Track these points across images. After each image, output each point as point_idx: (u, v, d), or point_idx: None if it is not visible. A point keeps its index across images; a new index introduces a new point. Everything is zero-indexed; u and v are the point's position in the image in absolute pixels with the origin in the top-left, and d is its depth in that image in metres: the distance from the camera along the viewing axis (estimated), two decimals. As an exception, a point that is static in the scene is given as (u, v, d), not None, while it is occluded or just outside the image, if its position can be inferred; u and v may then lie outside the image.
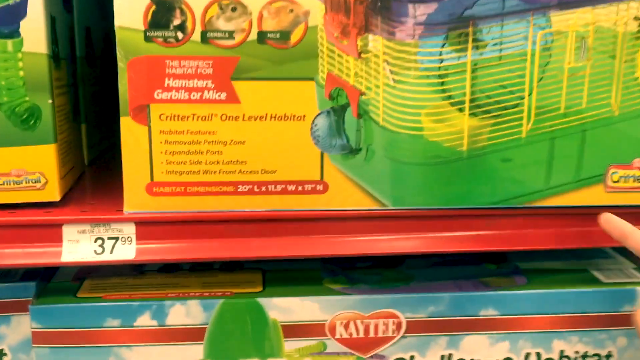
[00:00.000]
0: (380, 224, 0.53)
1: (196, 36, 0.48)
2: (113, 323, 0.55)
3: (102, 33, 0.74)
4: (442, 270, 0.62)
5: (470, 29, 0.49)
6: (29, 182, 0.51)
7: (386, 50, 0.49)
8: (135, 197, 0.51)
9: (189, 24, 0.48)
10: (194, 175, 0.51)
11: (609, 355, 0.59)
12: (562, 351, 0.58)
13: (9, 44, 0.49)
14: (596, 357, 0.59)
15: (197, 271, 0.61)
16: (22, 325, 0.57)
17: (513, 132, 0.51)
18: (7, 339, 0.58)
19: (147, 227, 0.52)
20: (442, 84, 0.49)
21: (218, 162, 0.51)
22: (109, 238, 0.52)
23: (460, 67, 0.49)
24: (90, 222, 0.51)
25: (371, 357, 0.57)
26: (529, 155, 0.52)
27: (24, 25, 0.49)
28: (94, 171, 0.68)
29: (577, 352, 0.59)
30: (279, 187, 0.52)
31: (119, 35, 0.48)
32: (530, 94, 0.51)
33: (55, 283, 0.59)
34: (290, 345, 0.56)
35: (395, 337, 0.57)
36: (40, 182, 0.52)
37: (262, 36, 0.49)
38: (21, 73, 0.50)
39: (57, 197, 0.52)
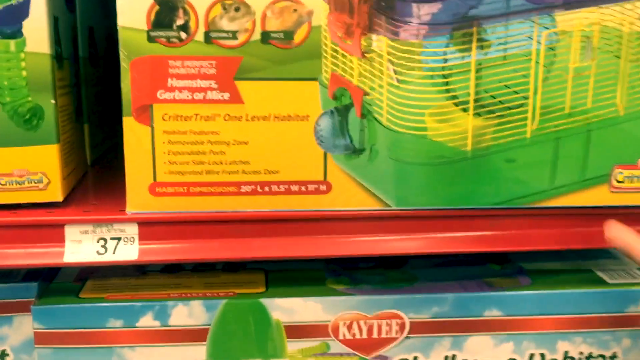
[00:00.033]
0: (383, 225, 0.53)
1: (199, 36, 0.48)
2: (115, 323, 0.54)
3: (105, 33, 0.74)
4: (446, 271, 0.62)
5: (474, 29, 0.48)
6: (31, 183, 0.51)
7: (390, 50, 0.48)
8: (138, 198, 0.51)
9: (192, 24, 0.48)
10: (196, 175, 0.51)
11: (613, 356, 0.59)
12: (566, 352, 0.58)
13: (12, 44, 0.49)
14: (601, 358, 0.58)
15: (199, 271, 0.61)
16: (25, 326, 0.57)
17: (517, 132, 0.51)
18: (10, 340, 0.57)
19: (150, 227, 0.52)
20: (446, 84, 0.49)
21: (221, 163, 0.50)
22: (112, 238, 0.52)
23: (464, 67, 0.49)
24: (92, 222, 0.51)
25: (374, 358, 0.57)
26: (533, 155, 0.52)
27: (27, 25, 0.49)
28: (97, 171, 0.67)
29: (581, 353, 0.58)
30: (282, 188, 0.51)
31: (122, 35, 0.48)
32: (534, 94, 0.50)
33: (57, 283, 0.58)
34: (293, 346, 0.56)
35: (398, 338, 0.57)
36: (42, 182, 0.52)
37: (265, 36, 0.48)
38: (24, 73, 0.49)
39: (59, 198, 0.52)
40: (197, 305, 0.55)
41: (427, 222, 0.53)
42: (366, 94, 0.50)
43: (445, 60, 0.49)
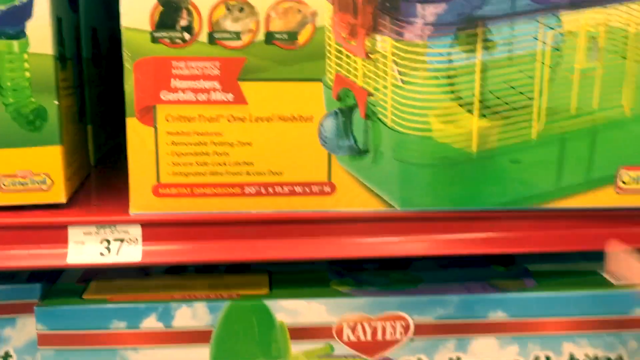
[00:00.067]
0: (388, 226, 0.53)
1: (203, 37, 0.48)
2: (119, 325, 0.54)
3: (108, 33, 0.74)
4: (450, 272, 0.62)
5: (479, 29, 0.48)
6: (34, 184, 0.51)
7: (394, 50, 0.48)
8: (142, 199, 0.51)
9: (195, 25, 0.48)
10: (200, 176, 0.50)
11: (619, 358, 0.58)
12: (571, 354, 0.58)
13: (15, 44, 0.49)
14: (606, 361, 0.58)
15: (203, 273, 0.61)
16: (28, 327, 0.57)
17: (523, 133, 0.51)
18: (13, 341, 0.57)
19: (153, 228, 0.51)
20: (451, 84, 0.49)
21: (225, 164, 0.50)
22: (115, 240, 0.51)
23: (469, 68, 0.49)
24: (96, 223, 0.51)
25: (379, 359, 0.57)
26: (539, 156, 0.51)
27: (30, 26, 0.49)
28: (100, 172, 0.67)
29: (587, 355, 0.58)
30: (286, 189, 0.51)
31: (125, 36, 0.47)
32: (540, 95, 0.50)
33: (61, 285, 0.58)
34: (297, 348, 0.56)
35: (403, 339, 0.56)
36: (46, 183, 0.51)
37: (269, 37, 0.48)
38: (27, 74, 0.49)
39: (63, 199, 0.52)
40: (200, 307, 0.55)
41: (432, 223, 0.53)
42: (370, 94, 0.50)
43: (450, 61, 0.48)
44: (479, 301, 0.57)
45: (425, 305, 0.56)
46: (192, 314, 0.55)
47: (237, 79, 0.49)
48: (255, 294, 0.56)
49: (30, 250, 0.51)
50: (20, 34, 0.48)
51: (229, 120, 0.49)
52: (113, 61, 0.75)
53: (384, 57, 0.49)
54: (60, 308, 0.54)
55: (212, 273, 0.61)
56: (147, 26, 0.47)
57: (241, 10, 0.47)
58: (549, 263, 0.64)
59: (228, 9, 0.47)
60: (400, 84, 0.49)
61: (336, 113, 0.50)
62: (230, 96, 0.49)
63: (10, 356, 0.58)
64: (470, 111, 0.50)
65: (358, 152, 0.51)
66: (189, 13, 0.47)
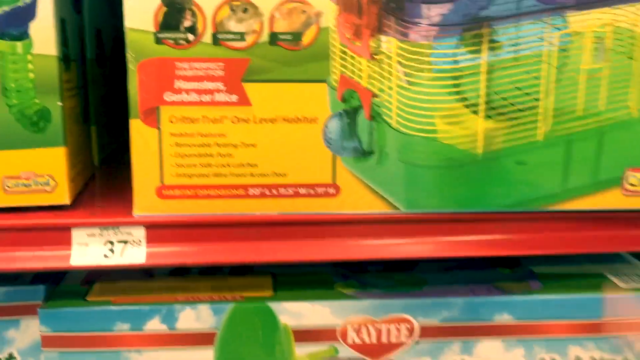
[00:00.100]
0: (393, 228, 0.53)
1: (207, 38, 0.48)
2: (122, 327, 0.54)
3: (112, 34, 0.74)
4: (455, 275, 0.62)
5: (485, 30, 0.48)
6: (38, 185, 0.51)
7: (399, 51, 0.48)
8: (145, 200, 0.50)
9: (199, 26, 0.47)
10: (204, 178, 0.50)
11: (625, 362, 0.58)
12: (577, 357, 0.58)
13: (19, 45, 0.48)
14: (613, 364, 0.58)
15: (207, 275, 0.61)
16: (31, 329, 0.57)
17: (529, 135, 0.50)
18: (16, 343, 0.57)
19: (157, 230, 0.51)
20: (457, 85, 0.49)
21: (229, 165, 0.50)
22: (119, 241, 0.51)
23: (475, 69, 0.48)
24: (99, 225, 0.51)
25: (383, 362, 0.56)
26: (545, 157, 0.51)
27: (34, 27, 0.48)
28: (104, 173, 0.67)
29: (592, 358, 0.58)
30: (290, 190, 0.51)
31: (129, 37, 0.47)
32: (546, 96, 0.50)
33: (64, 286, 0.58)
34: (301, 350, 0.56)
35: (408, 342, 0.56)
36: (49, 185, 0.51)
37: (273, 38, 0.48)
38: (31, 75, 0.49)
39: (66, 200, 0.52)
40: (204, 309, 0.55)
41: (437, 225, 0.53)
42: (375, 95, 0.49)
43: (456, 62, 0.48)
44: (484, 304, 0.56)
45: (430, 307, 0.56)
46: (195, 316, 0.55)
47: (241, 80, 0.48)
48: (259, 296, 0.56)
49: (33, 252, 0.51)
50: (23, 35, 0.48)
51: (233, 122, 0.49)
52: (117, 62, 0.75)
53: (389, 58, 0.48)
54: (63, 310, 0.54)
55: (215, 275, 0.61)
56: (150, 27, 0.47)
57: (245, 10, 0.47)
58: (555, 265, 0.63)
59: (232, 10, 0.47)
60: (405, 84, 0.49)
61: (341, 114, 0.50)
62: (234, 97, 0.49)
63: (14, 358, 0.58)
64: (475, 112, 0.49)
65: (363, 154, 0.51)
66: (193, 14, 0.47)
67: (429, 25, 0.47)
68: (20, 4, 0.48)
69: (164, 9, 0.47)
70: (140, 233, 0.51)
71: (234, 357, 0.55)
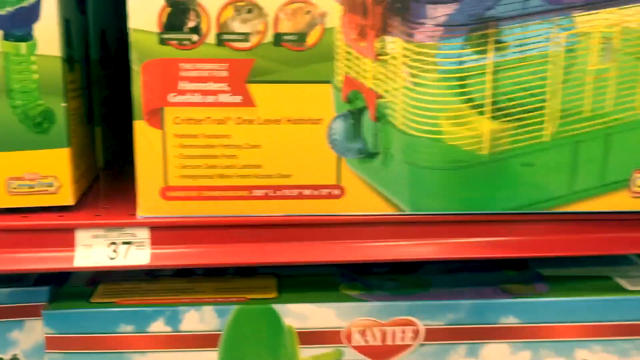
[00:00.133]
0: (398, 230, 0.52)
1: (211, 38, 0.47)
2: (126, 329, 0.54)
3: (117, 35, 0.74)
4: (461, 277, 0.61)
5: (491, 30, 0.47)
6: (42, 186, 0.51)
7: (405, 52, 0.48)
8: (149, 202, 0.50)
9: (203, 26, 0.47)
10: (208, 179, 0.50)
11: (633, 365, 0.57)
12: (584, 360, 0.57)
13: (23, 46, 0.48)
14: (620, 367, 0.57)
15: (211, 276, 0.61)
16: (36, 330, 0.57)
17: (535, 136, 0.50)
18: (21, 344, 0.57)
19: (161, 231, 0.51)
20: (462, 86, 0.48)
21: (233, 166, 0.50)
22: (123, 243, 0.51)
23: (480, 69, 0.48)
24: (103, 226, 0.51)
25: (388, 365, 0.56)
26: (551, 159, 0.51)
27: (38, 28, 0.48)
28: (109, 174, 0.67)
29: (600, 362, 0.57)
30: (295, 192, 0.51)
31: (133, 38, 0.47)
32: (553, 97, 0.49)
33: (68, 288, 0.58)
34: (306, 353, 0.55)
35: (413, 345, 0.56)
36: (53, 186, 0.51)
37: (278, 38, 0.48)
38: (35, 76, 0.49)
39: (71, 201, 0.52)
40: (208, 311, 0.54)
41: (443, 227, 0.52)
42: (380, 96, 0.49)
43: (461, 63, 0.48)
44: (490, 306, 0.56)
45: (435, 310, 0.56)
46: (200, 318, 0.54)
47: (245, 81, 0.48)
48: (264, 297, 0.56)
49: (37, 253, 0.51)
50: (27, 36, 0.48)
51: (237, 123, 0.49)
52: (122, 63, 0.75)
53: (394, 58, 0.48)
54: (67, 311, 0.54)
55: (220, 276, 0.61)
56: (154, 28, 0.47)
57: (249, 11, 0.47)
58: (562, 267, 0.63)
59: (236, 10, 0.47)
60: (410, 85, 0.48)
61: (345, 115, 0.49)
62: (238, 98, 0.49)
63: (18, 359, 0.57)
64: (481, 113, 0.49)
65: (367, 155, 0.50)
66: (197, 14, 0.47)
67: (435, 25, 0.47)
68: (24, 4, 0.48)
69: (168, 9, 0.47)
70: (144, 234, 0.51)
71: (238, 359, 0.55)
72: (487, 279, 0.60)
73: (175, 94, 0.48)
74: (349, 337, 0.55)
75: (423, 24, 0.47)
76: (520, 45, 0.48)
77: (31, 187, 0.51)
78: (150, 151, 0.49)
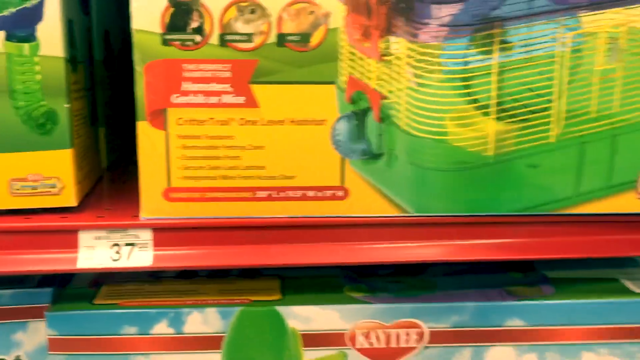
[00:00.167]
0: (402, 231, 0.52)
1: (214, 39, 0.47)
2: (130, 330, 0.54)
3: (121, 36, 0.74)
4: (466, 279, 0.61)
5: (496, 31, 0.47)
6: (45, 187, 0.51)
7: (409, 52, 0.47)
8: (152, 203, 0.50)
9: (206, 27, 0.47)
10: (211, 180, 0.50)
11: (640, 368, 0.57)
12: (591, 363, 0.57)
13: (26, 47, 0.48)
14: (627, 370, 0.57)
15: (214, 277, 0.60)
16: (39, 332, 0.57)
17: (541, 137, 0.50)
18: (24, 346, 0.57)
19: (164, 233, 0.51)
20: (467, 87, 0.48)
21: (236, 168, 0.50)
22: (126, 244, 0.51)
23: (485, 70, 0.48)
24: (106, 228, 0.51)
25: (393, 367, 0.56)
26: (557, 160, 0.50)
27: (41, 29, 0.48)
28: (112, 175, 0.67)
29: (606, 365, 0.57)
30: (299, 193, 0.50)
31: (136, 39, 0.47)
32: (559, 98, 0.49)
33: (72, 289, 0.58)
34: (310, 355, 0.55)
35: (417, 347, 0.55)
36: (56, 187, 0.51)
37: (281, 39, 0.47)
38: (38, 77, 0.49)
39: (73, 202, 0.52)
40: (212, 313, 0.54)
41: (447, 229, 0.52)
42: (384, 97, 0.49)
43: (466, 63, 0.47)
44: (495, 308, 0.55)
45: (440, 312, 0.55)
46: (203, 320, 0.54)
47: (248, 81, 0.48)
48: (267, 299, 0.56)
49: (40, 255, 0.51)
50: (30, 37, 0.48)
51: (240, 124, 0.49)
52: (125, 64, 0.75)
53: (398, 59, 0.48)
54: (70, 313, 0.54)
55: (223, 278, 0.60)
56: (157, 28, 0.47)
57: (253, 11, 0.47)
58: (569, 269, 0.62)
59: (239, 11, 0.47)
60: (415, 86, 0.48)
61: (349, 116, 0.49)
62: (241, 99, 0.48)
63: (22, 361, 0.58)
64: (486, 114, 0.49)
65: (372, 156, 0.50)
66: (200, 15, 0.47)
67: (439, 25, 0.46)
68: (27, 5, 0.48)
69: (171, 10, 0.47)
70: (147, 236, 0.51)
71: (241, 361, 0.55)
72: (492, 281, 0.60)
73: (178, 94, 0.48)
74: (353, 340, 0.55)
75: (427, 24, 0.46)
76: (526, 46, 0.48)
77: (34, 188, 0.51)
78: (153, 152, 0.49)
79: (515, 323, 0.56)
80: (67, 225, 0.51)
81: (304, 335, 0.55)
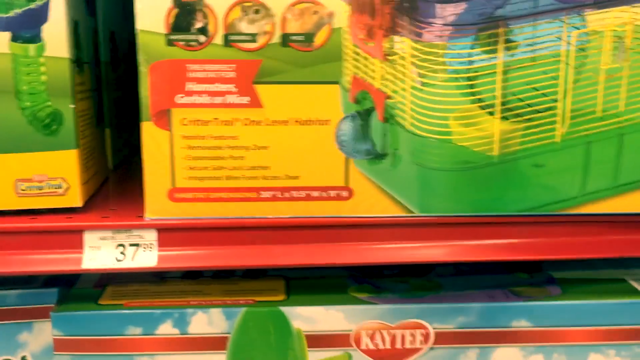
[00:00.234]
0: (407, 232, 0.52)
1: (218, 39, 0.47)
2: (134, 331, 0.54)
3: (127, 37, 0.74)
4: (472, 279, 0.60)
5: (501, 30, 0.47)
6: (50, 188, 0.51)
7: (413, 52, 0.47)
8: (157, 203, 0.50)
9: (211, 27, 0.47)
10: (216, 180, 0.50)
11: (648, 370, 0.56)
12: (598, 365, 0.56)
13: (31, 48, 0.48)
14: (635, 372, 0.56)
15: (219, 278, 0.60)
16: (44, 332, 0.57)
17: (546, 137, 0.49)
18: (30, 346, 0.57)
19: (169, 233, 0.51)
20: (472, 86, 0.48)
21: (240, 168, 0.50)
22: (131, 245, 0.51)
23: (490, 69, 0.48)
24: (111, 228, 0.51)
25: (398, 368, 0.55)
26: (563, 160, 0.50)
27: (46, 30, 0.48)
28: (118, 176, 0.67)
29: (614, 366, 0.56)
30: (303, 193, 0.50)
31: (140, 39, 0.47)
32: (564, 97, 0.49)
33: (77, 289, 0.58)
34: (315, 356, 0.55)
35: (423, 348, 0.55)
36: (62, 187, 0.51)
37: (285, 39, 0.47)
38: (43, 78, 0.49)
39: (79, 203, 0.52)
40: (216, 313, 0.54)
41: (452, 229, 0.52)
42: (389, 97, 0.49)
43: (471, 62, 0.47)
44: (502, 309, 0.55)
45: (446, 313, 0.55)
46: (208, 320, 0.54)
47: (252, 81, 0.48)
48: (272, 300, 0.56)
49: (45, 255, 0.51)
50: (36, 38, 0.48)
51: (244, 124, 0.49)
52: (132, 65, 0.75)
53: (403, 58, 0.48)
54: (75, 313, 0.54)
55: (228, 278, 0.60)
56: (162, 29, 0.47)
57: (257, 11, 0.47)
58: (575, 270, 0.62)
59: (243, 11, 0.47)
60: (419, 86, 0.48)
61: (353, 116, 0.49)
62: (246, 99, 0.48)
63: (28, 361, 0.58)
64: (491, 114, 0.48)
65: (376, 156, 0.50)
66: (204, 15, 0.47)
67: (443, 25, 0.46)
68: (32, 6, 0.48)
69: (175, 10, 0.47)
70: (152, 236, 0.51)
71: (246, 362, 0.55)
72: (498, 282, 0.60)
73: (182, 95, 0.48)
74: (357, 341, 0.55)
75: (432, 23, 0.46)
76: (531, 45, 0.47)
77: (40, 188, 0.51)
78: (158, 153, 0.49)
79: (521, 324, 0.55)
80: (72, 225, 0.51)
81: (308, 336, 0.55)
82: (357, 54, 0.48)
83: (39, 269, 0.51)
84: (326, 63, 0.48)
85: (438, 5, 0.46)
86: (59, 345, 0.54)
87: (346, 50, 0.48)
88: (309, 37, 0.47)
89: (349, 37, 0.47)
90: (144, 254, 0.51)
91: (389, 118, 0.49)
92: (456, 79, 0.47)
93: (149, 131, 0.49)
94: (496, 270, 0.62)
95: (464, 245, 0.52)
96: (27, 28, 0.48)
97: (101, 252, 0.51)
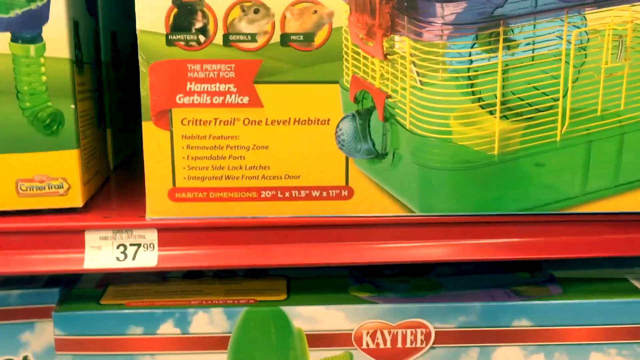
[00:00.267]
0: (407, 231, 0.52)
1: (218, 39, 0.47)
2: (136, 331, 0.54)
3: (129, 37, 0.74)
4: (473, 279, 0.60)
5: (501, 29, 0.47)
6: (51, 188, 0.51)
7: (413, 51, 0.47)
8: (158, 203, 0.50)
9: (210, 27, 0.47)
10: (216, 180, 0.50)
11: (649, 369, 0.56)
12: (599, 364, 0.56)
13: (32, 48, 0.49)
14: (636, 371, 0.56)
15: (220, 278, 0.61)
16: (46, 332, 0.57)
17: (547, 136, 0.49)
18: (31, 346, 0.57)
19: (170, 233, 0.51)
20: (472, 85, 0.48)
21: (241, 168, 0.50)
22: (131, 245, 0.51)
23: (490, 68, 0.47)
24: (112, 228, 0.51)
25: (399, 368, 0.55)
26: (563, 159, 0.50)
27: (46, 30, 0.48)
28: (119, 176, 0.67)
29: (615, 366, 0.56)
30: (303, 193, 0.50)
31: (140, 39, 0.47)
32: (565, 96, 0.49)
33: (78, 289, 0.58)
34: (316, 355, 0.55)
35: (423, 348, 0.55)
36: (63, 187, 0.51)
37: (285, 38, 0.47)
38: (44, 78, 0.49)
39: (79, 203, 0.52)
40: (217, 313, 0.54)
41: (453, 228, 0.52)
42: (388, 96, 0.49)
43: (471, 62, 0.47)
44: (502, 309, 0.55)
45: (447, 312, 0.55)
46: (209, 320, 0.54)
47: (252, 81, 0.48)
48: (273, 299, 0.56)
49: (47, 255, 0.51)
50: (36, 38, 0.48)
51: (244, 124, 0.49)
52: (133, 65, 0.75)
53: (403, 58, 0.47)
54: (77, 313, 0.54)
55: (229, 278, 0.60)
56: (162, 29, 0.47)
57: (256, 11, 0.47)
58: (576, 269, 0.62)
59: (243, 11, 0.47)
60: (419, 85, 0.48)
61: (353, 116, 0.49)
62: (246, 99, 0.48)
63: (29, 361, 0.58)
64: (491, 113, 0.48)
65: (376, 156, 0.50)
66: (204, 15, 0.47)
67: (443, 24, 0.46)
68: (33, 7, 0.48)
69: (175, 10, 0.47)
70: (152, 236, 0.51)
71: (247, 361, 0.55)
72: (499, 281, 0.60)
73: (182, 95, 0.48)
74: (359, 340, 0.55)
75: (431, 22, 0.46)
76: (531, 44, 0.47)
77: (40, 188, 0.51)
78: (159, 153, 0.49)
79: (522, 323, 0.55)
80: (73, 225, 0.51)
81: (309, 335, 0.55)
82: (357, 53, 0.48)
83: (40, 269, 0.51)
84: (326, 63, 0.48)
85: (438, 5, 0.46)
86: (61, 345, 0.54)
87: (346, 50, 0.48)
88: (308, 37, 0.47)
89: (349, 36, 0.47)
90: (144, 253, 0.51)
91: (389, 117, 0.49)
92: (456, 78, 0.47)
93: (149, 131, 0.49)
94: (497, 269, 0.62)
95: (465, 244, 0.52)
96: (28, 28, 0.48)
97: (102, 252, 0.51)
